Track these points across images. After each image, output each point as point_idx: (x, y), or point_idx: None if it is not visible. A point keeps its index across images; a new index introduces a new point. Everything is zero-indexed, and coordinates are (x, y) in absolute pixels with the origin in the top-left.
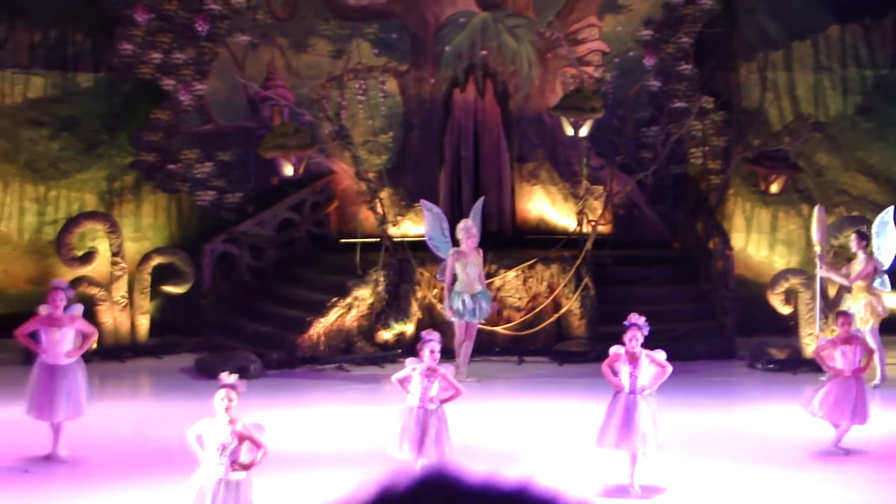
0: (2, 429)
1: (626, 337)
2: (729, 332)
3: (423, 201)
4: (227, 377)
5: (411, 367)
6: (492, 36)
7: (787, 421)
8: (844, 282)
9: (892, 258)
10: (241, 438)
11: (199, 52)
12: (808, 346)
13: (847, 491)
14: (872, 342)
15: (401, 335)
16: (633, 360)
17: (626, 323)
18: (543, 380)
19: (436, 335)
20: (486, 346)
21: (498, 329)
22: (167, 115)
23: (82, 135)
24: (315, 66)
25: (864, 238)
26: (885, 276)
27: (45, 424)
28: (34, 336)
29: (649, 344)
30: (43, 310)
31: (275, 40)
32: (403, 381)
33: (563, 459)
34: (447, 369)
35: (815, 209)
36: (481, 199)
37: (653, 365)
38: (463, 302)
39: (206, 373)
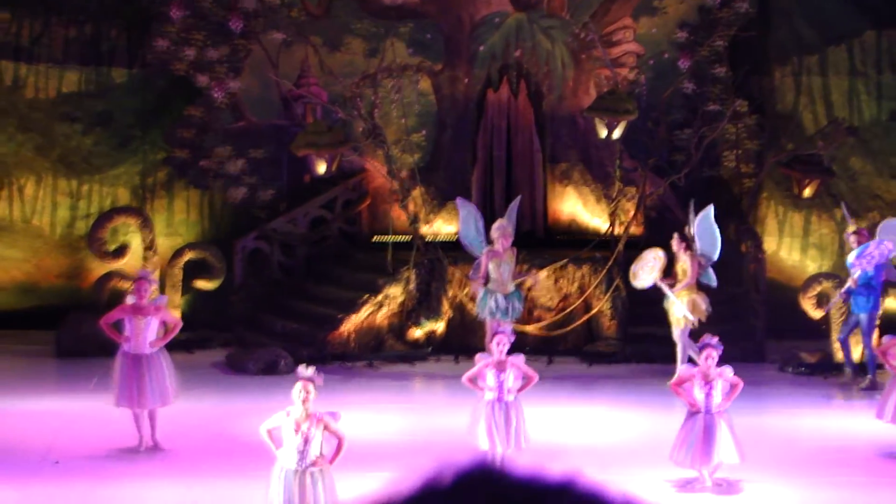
0: (38, 421)
1: (702, 357)
2: (759, 336)
3: (458, 199)
4: (305, 370)
5: (483, 364)
6: (526, 36)
7: (817, 425)
8: (685, 287)
9: (718, 251)
10: (323, 427)
11: (233, 50)
12: (839, 351)
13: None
14: (681, 342)
15: (431, 334)
16: (707, 380)
17: (699, 344)
18: (573, 381)
19: (507, 327)
20: (516, 346)
21: (528, 329)
22: (200, 112)
23: (116, 130)
24: (349, 64)
25: (685, 239)
26: (710, 270)
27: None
28: (117, 326)
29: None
30: (129, 299)
31: (309, 38)
32: (475, 379)
33: (595, 459)
34: (517, 358)
35: (633, 266)
36: (517, 199)
37: (725, 382)
38: (496, 301)
39: (237, 368)
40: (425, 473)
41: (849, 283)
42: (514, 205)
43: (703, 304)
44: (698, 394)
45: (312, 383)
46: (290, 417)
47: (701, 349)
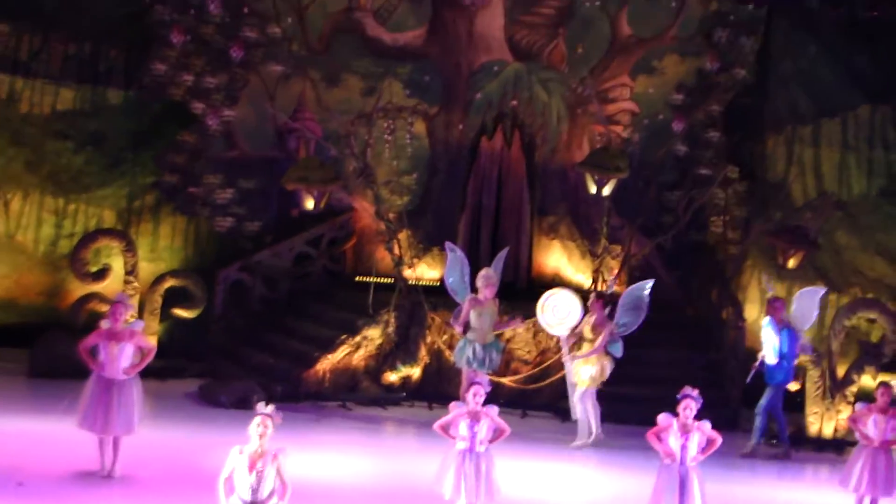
0: (6, 441)
1: (680, 407)
2: (734, 403)
3: (448, 243)
4: (264, 407)
5: (457, 412)
6: (523, 87)
7: (786, 498)
8: (592, 354)
9: (636, 327)
10: (276, 469)
11: (231, 78)
12: (813, 425)
13: None
14: (588, 404)
15: (407, 378)
16: (685, 431)
17: (679, 395)
18: (546, 436)
19: (485, 378)
20: (491, 397)
21: (504, 381)
22: (193, 139)
23: (107, 151)
24: (345, 101)
25: (603, 299)
26: (620, 342)
27: (83, 438)
28: (94, 350)
29: (656, 409)
30: (104, 324)
31: (307, 73)
32: (447, 427)
33: None
34: (492, 409)
35: (549, 296)
36: (505, 250)
37: (702, 436)
38: (474, 350)
39: (209, 400)
40: None
41: (762, 355)
42: (502, 255)
43: (608, 370)
44: (674, 444)
45: (271, 419)
46: (243, 455)
47: (680, 399)
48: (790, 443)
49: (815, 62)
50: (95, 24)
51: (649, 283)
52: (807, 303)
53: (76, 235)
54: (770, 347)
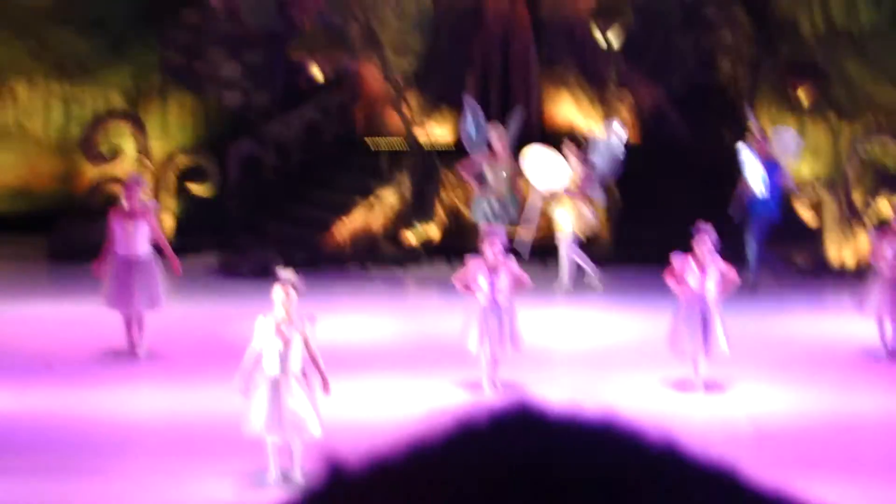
0: (31, 325)
1: (696, 242)
2: (748, 243)
3: (466, 96)
4: (285, 273)
5: (475, 266)
6: None
7: (807, 326)
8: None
9: (614, 173)
10: (303, 338)
11: None
12: (832, 254)
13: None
14: (568, 252)
15: (425, 237)
16: (702, 266)
17: (693, 230)
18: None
19: (498, 229)
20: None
21: (522, 234)
22: (195, 16)
23: (109, 34)
24: None
25: (579, 145)
26: (598, 187)
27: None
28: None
29: (671, 250)
30: (119, 205)
31: None
32: (467, 283)
33: (591, 363)
34: (510, 260)
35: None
36: (517, 112)
37: (718, 271)
38: (490, 205)
39: (230, 272)
40: (457, 414)
41: (745, 188)
42: (516, 112)
43: (590, 216)
44: (693, 282)
45: (292, 286)
46: (269, 320)
47: (695, 233)
48: (760, 274)
49: None
50: None
51: (621, 128)
52: (786, 138)
53: (85, 119)
54: (757, 178)
